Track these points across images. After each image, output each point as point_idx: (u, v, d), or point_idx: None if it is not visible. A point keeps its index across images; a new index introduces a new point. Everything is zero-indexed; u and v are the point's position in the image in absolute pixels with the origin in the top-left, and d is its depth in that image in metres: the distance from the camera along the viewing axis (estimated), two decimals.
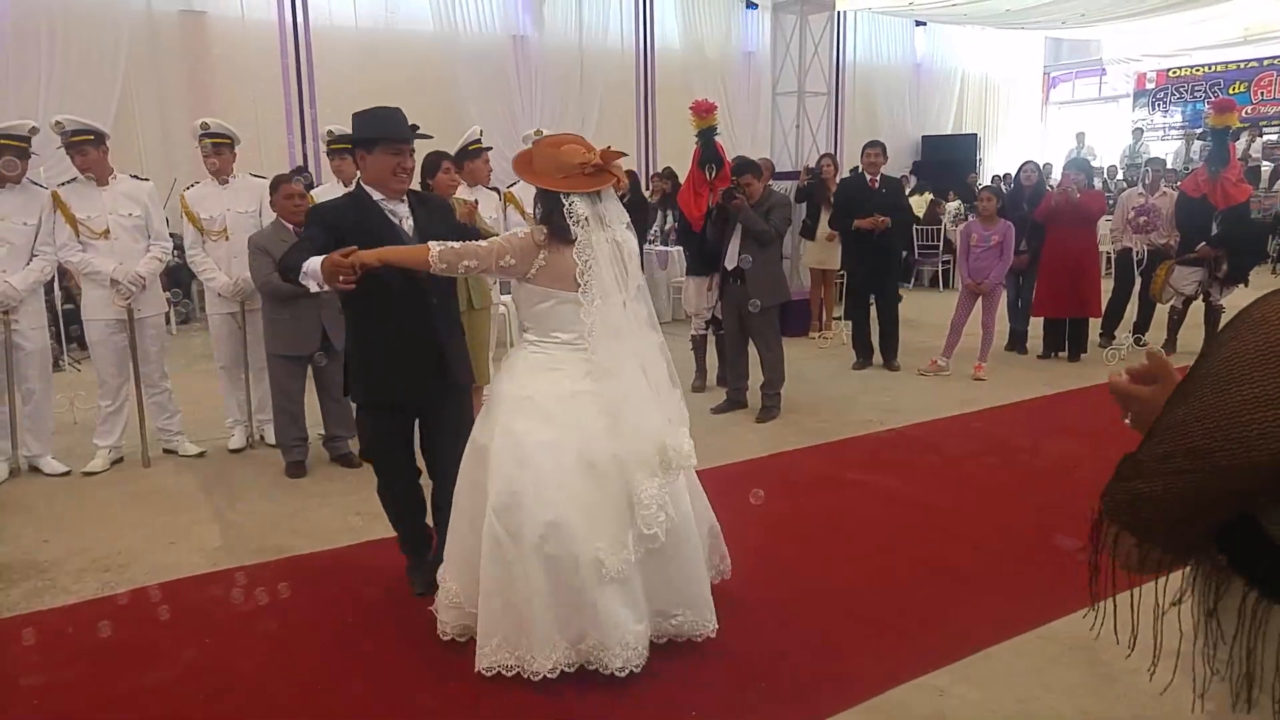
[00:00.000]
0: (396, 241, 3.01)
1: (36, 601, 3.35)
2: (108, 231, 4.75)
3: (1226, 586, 1.08)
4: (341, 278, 2.76)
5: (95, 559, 3.71)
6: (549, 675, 2.61)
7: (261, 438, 5.27)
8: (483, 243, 2.83)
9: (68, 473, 4.79)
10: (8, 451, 4.78)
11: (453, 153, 5.08)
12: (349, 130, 5.22)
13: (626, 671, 2.62)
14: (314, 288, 2.92)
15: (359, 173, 3.19)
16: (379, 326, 3.09)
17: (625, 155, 2.89)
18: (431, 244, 2.76)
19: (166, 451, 5.09)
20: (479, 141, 5.49)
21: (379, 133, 3.08)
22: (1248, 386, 0.95)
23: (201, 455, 5.07)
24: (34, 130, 4.68)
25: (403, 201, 3.14)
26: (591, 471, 2.65)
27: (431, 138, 3.38)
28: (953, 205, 12.09)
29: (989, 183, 14.38)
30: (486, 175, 5.62)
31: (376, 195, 3.11)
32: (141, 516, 4.20)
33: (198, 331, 8.32)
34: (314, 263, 2.84)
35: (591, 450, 2.66)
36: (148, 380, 4.96)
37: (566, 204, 2.66)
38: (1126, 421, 1.22)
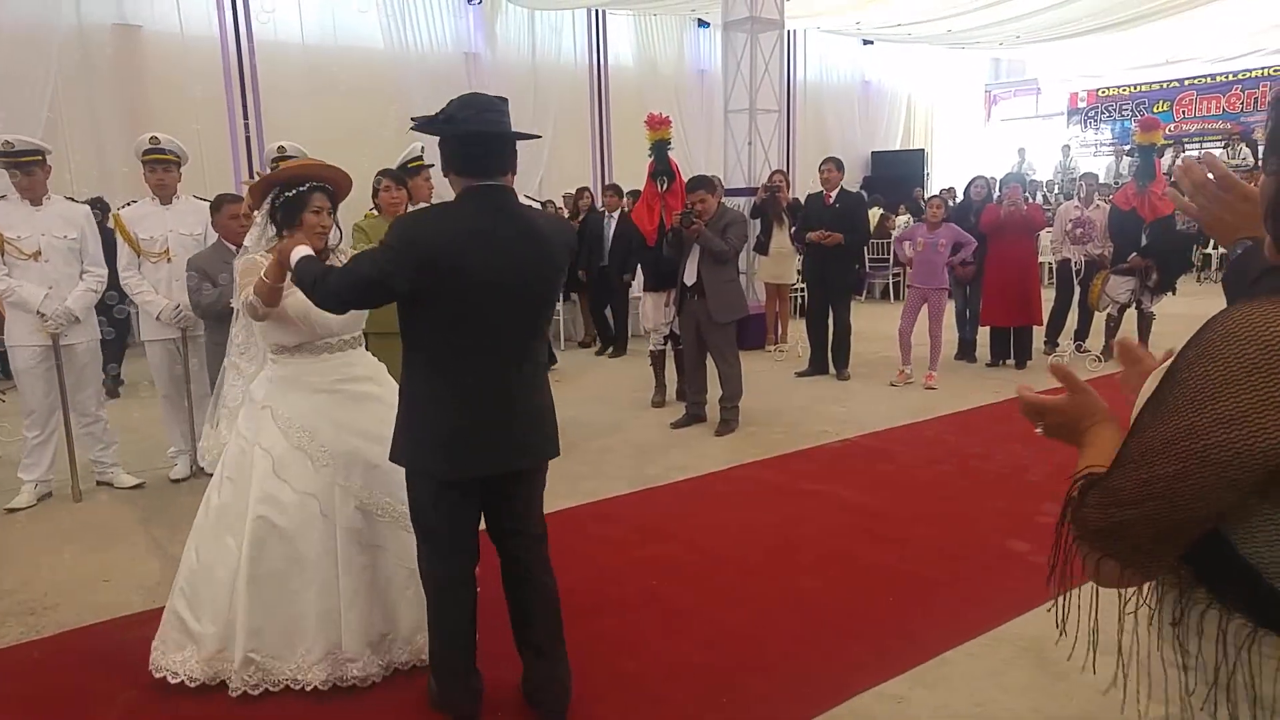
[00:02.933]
0: None
1: None
2: (39, 253, 4.51)
3: (1190, 598, 1.07)
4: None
5: (19, 602, 3.47)
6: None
7: (202, 469, 5.04)
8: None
9: None
10: None
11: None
12: (299, 147, 5.13)
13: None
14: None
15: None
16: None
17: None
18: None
19: (100, 484, 4.84)
20: (420, 158, 5.37)
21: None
22: (1224, 403, 0.93)
23: (139, 487, 4.84)
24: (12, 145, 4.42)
25: None
26: None
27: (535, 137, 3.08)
28: (902, 219, 12.28)
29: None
30: (428, 193, 5.48)
31: None
32: (72, 554, 3.96)
33: (136, 357, 8.02)
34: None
35: None
36: (80, 409, 4.72)
37: None
38: (1038, 431, 1.24)
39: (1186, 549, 1.01)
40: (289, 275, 2.48)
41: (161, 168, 4.83)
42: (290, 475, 2.72)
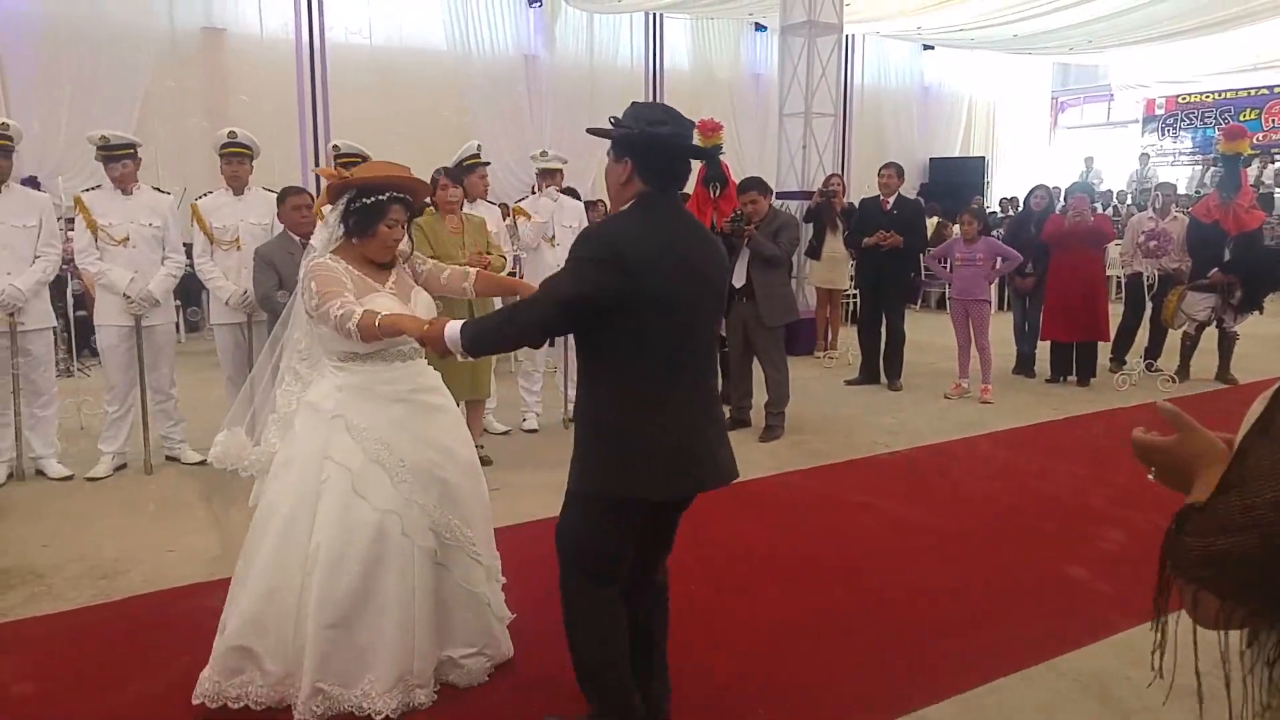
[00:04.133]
0: None
1: (33, 607, 3.33)
2: (127, 239, 4.81)
3: None
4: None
5: (93, 565, 3.70)
6: None
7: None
8: None
9: (70, 477, 4.80)
10: (9, 454, 4.79)
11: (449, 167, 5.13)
12: (355, 146, 5.33)
13: None
14: None
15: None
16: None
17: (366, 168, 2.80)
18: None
19: (169, 458, 5.10)
20: (477, 156, 5.53)
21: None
22: None
23: (203, 463, 5.06)
24: (2, 126, 4.66)
25: None
26: None
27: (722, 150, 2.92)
28: (959, 228, 12.08)
29: (995, 206, 14.53)
30: (484, 190, 5.66)
31: None
32: (141, 523, 4.19)
33: (206, 341, 8.36)
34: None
35: None
36: (155, 387, 4.98)
37: None
38: (1150, 477, 1.15)
39: None
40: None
41: (237, 160, 5.08)
42: (369, 492, 2.50)
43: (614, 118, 2.31)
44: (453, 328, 2.27)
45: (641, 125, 2.26)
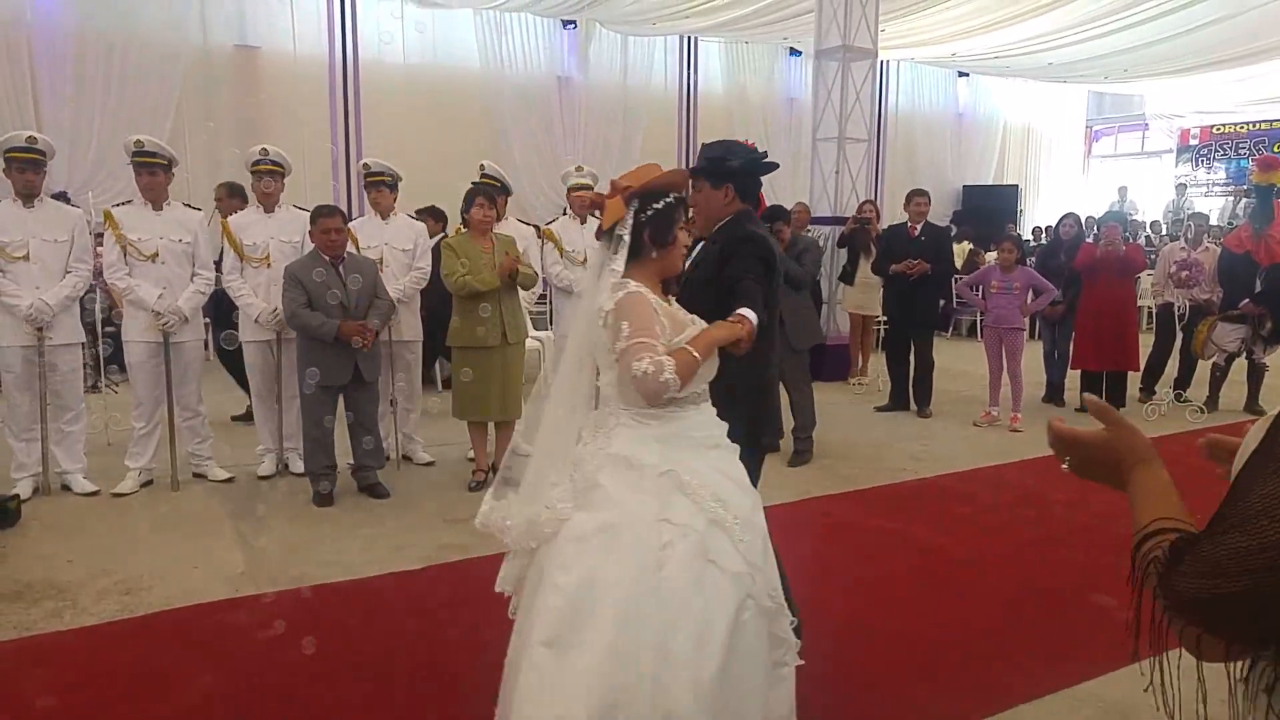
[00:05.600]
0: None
1: (56, 622, 3.32)
2: (157, 255, 4.82)
3: None
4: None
5: (118, 581, 3.69)
6: None
7: (286, 466, 5.27)
8: None
9: (97, 492, 4.80)
10: (35, 468, 4.79)
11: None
12: (385, 164, 5.39)
13: None
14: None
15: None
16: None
17: (638, 173, 2.35)
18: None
19: (196, 475, 5.10)
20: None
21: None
22: None
23: (230, 481, 5.08)
24: (31, 140, 4.66)
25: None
26: None
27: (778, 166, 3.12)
28: (992, 255, 11.96)
29: (1028, 234, 14.38)
30: (503, 211, 5.64)
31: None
32: (166, 540, 4.18)
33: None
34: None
35: None
36: (183, 404, 4.98)
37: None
38: (1064, 468, 1.15)
39: None
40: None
41: (269, 177, 5.10)
42: (719, 558, 2.05)
43: (703, 160, 2.93)
44: (750, 314, 2.36)
45: (735, 157, 2.87)
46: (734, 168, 2.84)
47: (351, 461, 4.94)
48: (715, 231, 2.88)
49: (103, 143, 9.13)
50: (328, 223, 4.70)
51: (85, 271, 4.81)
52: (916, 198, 7.08)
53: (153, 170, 4.79)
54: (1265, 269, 6.79)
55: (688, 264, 2.69)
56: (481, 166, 5.77)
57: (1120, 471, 1.11)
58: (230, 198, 6.36)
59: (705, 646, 1.96)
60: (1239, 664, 1.02)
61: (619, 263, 2.23)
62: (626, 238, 2.23)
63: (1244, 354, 7.02)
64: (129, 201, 4.97)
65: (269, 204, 5.15)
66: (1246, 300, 6.83)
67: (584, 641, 1.93)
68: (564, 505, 2.10)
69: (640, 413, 2.16)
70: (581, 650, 1.93)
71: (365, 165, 5.52)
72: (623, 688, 1.89)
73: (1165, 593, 0.95)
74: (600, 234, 2.31)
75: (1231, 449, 1.11)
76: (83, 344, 5.03)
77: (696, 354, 2.11)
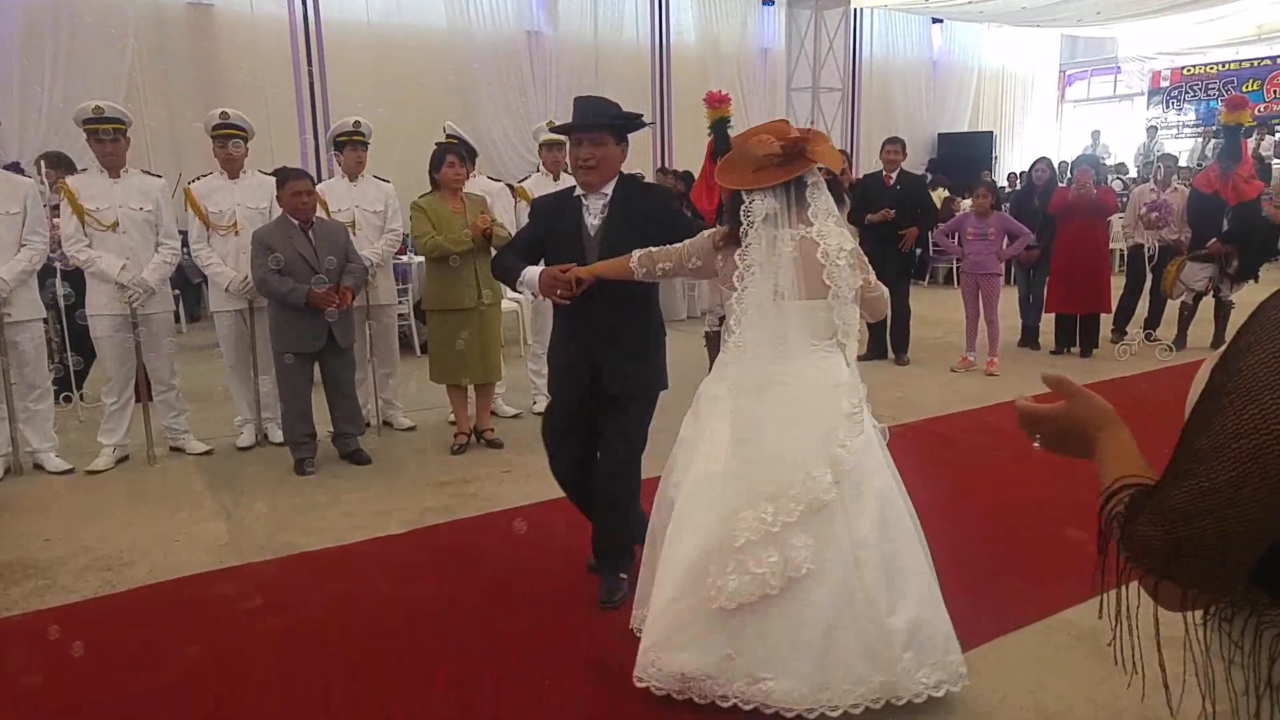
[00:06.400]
0: (576, 242, 3.02)
1: (36, 601, 3.28)
2: (117, 224, 4.66)
3: (1266, 619, 0.97)
4: (560, 292, 2.87)
5: (97, 558, 3.64)
6: None
7: (265, 436, 5.21)
8: (676, 246, 2.75)
9: (70, 470, 4.72)
10: (4, 448, 4.67)
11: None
12: (359, 120, 5.24)
13: None
14: (530, 297, 3.08)
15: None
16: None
17: (823, 137, 2.63)
18: (634, 253, 2.78)
19: (173, 449, 5.03)
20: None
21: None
22: (1272, 396, 0.85)
23: (208, 453, 5.01)
24: None
25: (602, 196, 3.03)
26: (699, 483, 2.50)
27: (651, 124, 3.41)
28: (968, 203, 11.96)
29: (1003, 180, 14.37)
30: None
31: (578, 190, 3.08)
32: (146, 515, 4.13)
33: (207, 329, 8.30)
34: (532, 273, 2.98)
35: (704, 466, 2.51)
36: (155, 378, 4.89)
37: (746, 202, 2.52)
38: (1036, 445, 1.16)
39: (1250, 566, 0.92)
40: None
41: (230, 142, 4.95)
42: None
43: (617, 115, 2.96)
44: None
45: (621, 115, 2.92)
46: (641, 125, 2.98)
47: (331, 429, 4.89)
48: (617, 187, 3.03)
49: (54, 111, 8.83)
50: (296, 185, 4.59)
51: (41, 244, 4.64)
52: (889, 146, 7.05)
53: (114, 137, 4.62)
54: (1232, 208, 6.86)
55: (597, 219, 3.01)
56: (445, 128, 5.63)
57: (1085, 442, 1.12)
58: (56, 168, 5.87)
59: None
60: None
61: (835, 207, 2.57)
62: (823, 185, 2.56)
63: (1212, 292, 7.14)
64: (84, 170, 4.79)
65: (232, 169, 5.01)
66: (1214, 240, 6.92)
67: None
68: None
69: (830, 342, 2.56)
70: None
71: (356, 123, 5.32)
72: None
73: (1126, 544, 0.96)
74: (790, 181, 2.50)
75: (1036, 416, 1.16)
76: (44, 319, 4.90)
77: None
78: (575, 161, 2.99)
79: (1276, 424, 0.85)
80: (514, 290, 3.21)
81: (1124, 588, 1.05)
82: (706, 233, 2.74)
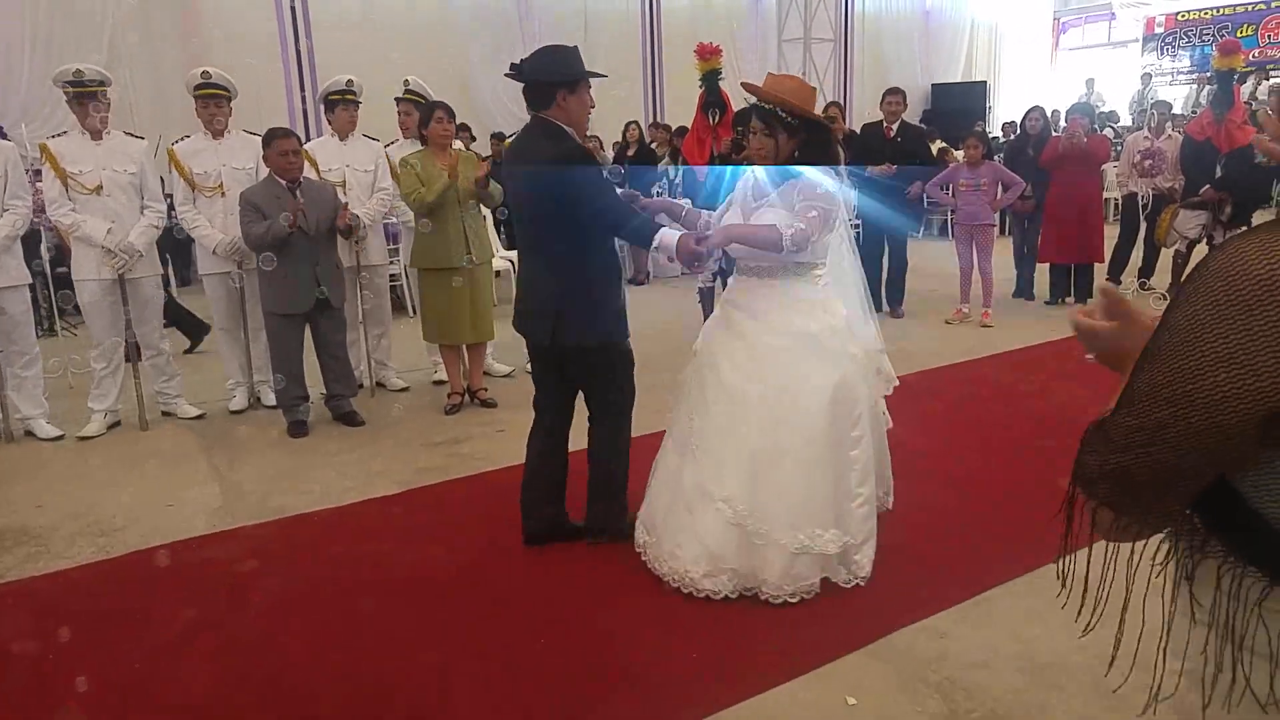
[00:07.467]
0: None
1: (30, 567, 3.27)
2: (100, 187, 4.57)
3: (1203, 552, 1.01)
4: (695, 265, 2.89)
5: (90, 523, 3.63)
6: None
7: (258, 399, 5.18)
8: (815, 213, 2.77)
9: (61, 437, 4.69)
10: None
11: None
12: (351, 79, 5.11)
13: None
14: (664, 260, 2.94)
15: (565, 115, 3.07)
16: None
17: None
18: (781, 225, 2.72)
19: (165, 414, 5.00)
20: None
21: (585, 70, 3.10)
22: (1209, 344, 0.87)
23: (201, 417, 4.99)
24: None
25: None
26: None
27: (605, 76, 3.37)
28: (962, 154, 11.86)
29: (998, 131, 14.22)
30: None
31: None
32: (138, 480, 4.12)
33: (196, 294, 8.22)
34: (670, 237, 2.81)
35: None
36: (145, 342, 4.84)
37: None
38: (1089, 358, 1.18)
39: (1190, 501, 0.96)
40: None
41: (213, 103, 4.85)
42: None
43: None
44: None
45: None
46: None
47: (324, 391, 4.86)
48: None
49: (34, 72, 8.65)
50: (283, 144, 4.50)
51: (23, 209, 4.56)
52: (890, 96, 6.94)
53: (96, 100, 4.51)
54: (1225, 155, 6.79)
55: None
56: (406, 82, 5.44)
57: (1127, 362, 1.12)
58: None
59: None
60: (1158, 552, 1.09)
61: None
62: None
63: (1205, 240, 7.08)
64: (65, 133, 4.70)
65: (215, 130, 4.90)
66: (1207, 186, 6.87)
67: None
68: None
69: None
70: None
71: (349, 82, 5.21)
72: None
73: (1076, 469, 1.02)
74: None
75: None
76: (31, 285, 4.83)
77: None
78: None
79: (1196, 379, 0.88)
80: (647, 249, 3.08)
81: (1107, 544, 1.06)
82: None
